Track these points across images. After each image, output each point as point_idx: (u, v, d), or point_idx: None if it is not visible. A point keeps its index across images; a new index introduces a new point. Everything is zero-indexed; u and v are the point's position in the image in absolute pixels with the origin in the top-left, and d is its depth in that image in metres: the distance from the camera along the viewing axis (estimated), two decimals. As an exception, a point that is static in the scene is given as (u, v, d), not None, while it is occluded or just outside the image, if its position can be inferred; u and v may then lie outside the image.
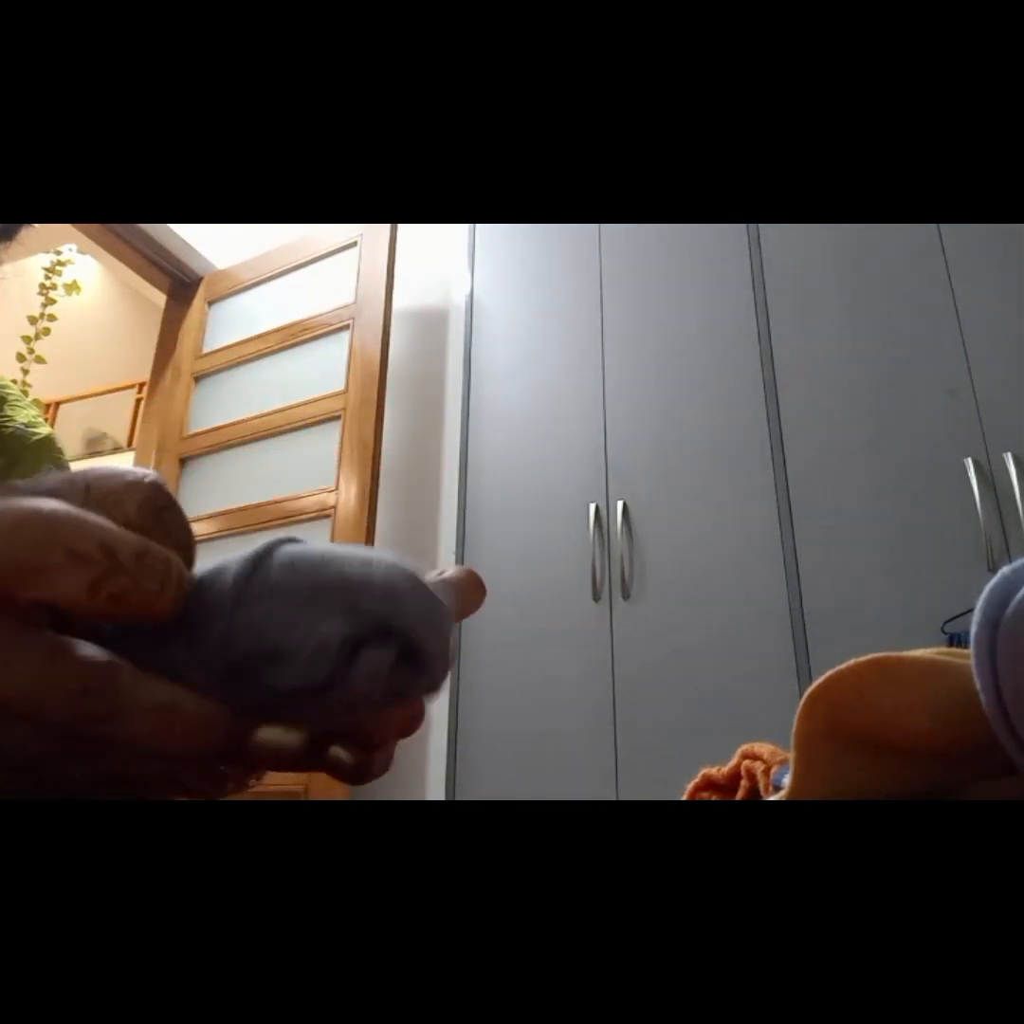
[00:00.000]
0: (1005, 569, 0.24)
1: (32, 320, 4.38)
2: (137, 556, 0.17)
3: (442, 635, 0.21)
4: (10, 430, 0.83)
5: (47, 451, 0.85)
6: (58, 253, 4.57)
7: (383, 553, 0.21)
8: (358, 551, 0.21)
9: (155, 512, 0.19)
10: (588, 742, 1.66)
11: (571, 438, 1.92)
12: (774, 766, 0.40)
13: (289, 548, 0.21)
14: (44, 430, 0.86)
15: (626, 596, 1.73)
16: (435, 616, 0.21)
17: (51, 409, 5.65)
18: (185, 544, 0.20)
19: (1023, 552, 1.41)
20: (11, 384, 0.88)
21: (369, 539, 2.04)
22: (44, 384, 4.72)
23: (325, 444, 2.21)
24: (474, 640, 1.84)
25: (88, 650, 0.17)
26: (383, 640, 0.20)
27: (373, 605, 0.20)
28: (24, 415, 0.85)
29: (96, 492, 0.18)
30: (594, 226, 2.08)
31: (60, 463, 0.86)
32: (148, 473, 0.20)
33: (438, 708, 1.97)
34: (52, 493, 0.18)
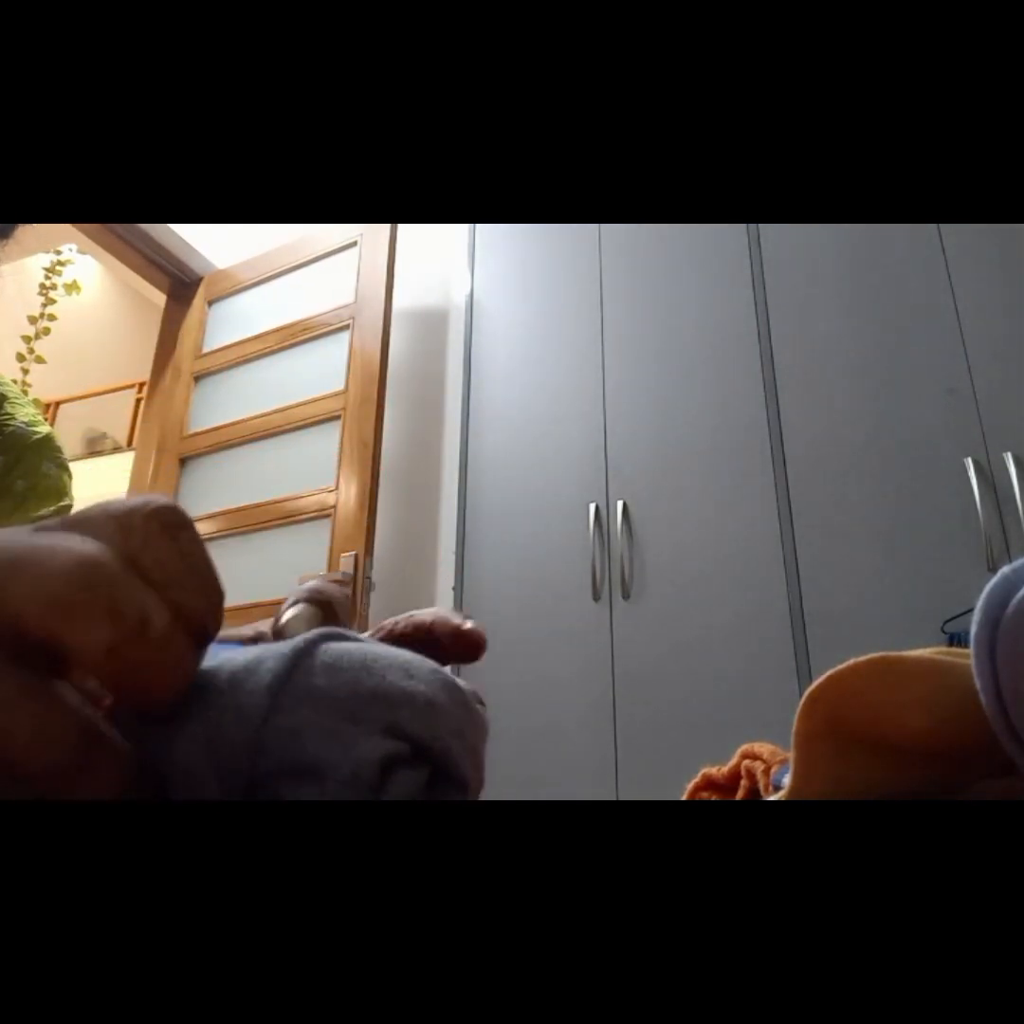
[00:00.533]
0: (1005, 569, 0.24)
1: (32, 320, 4.38)
2: (164, 637, 0.17)
3: (478, 755, 0.20)
4: (11, 429, 0.83)
5: (47, 449, 0.85)
6: (58, 253, 4.58)
7: (423, 660, 0.20)
8: (399, 656, 0.20)
9: (165, 528, 0.19)
10: (588, 742, 1.66)
11: (571, 438, 1.92)
12: (774, 766, 0.40)
13: (332, 647, 0.19)
14: (44, 429, 0.86)
15: (626, 596, 1.73)
16: (473, 733, 0.20)
17: (51, 409, 5.65)
18: (200, 569, 0.19)
19: (1023, 552, 1.41)
20: (11, 383, 0.88)
21: (369, 539, 2.04)
22: (44, 384, 4.72)
23: (325, 444, 2.21)
24: (474, 640, 1.84)
25: (108, 727, 0.17)
26: (418, 759, 0.19)
27: (414, 725, 0.18)
28: (24, 413, 0.85)
29: (115, 512, 0.18)
30: (594, 226, 2.08)
31: (60, 462, 0.87)
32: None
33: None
34: (82, 524, 0.18)
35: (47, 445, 0.85)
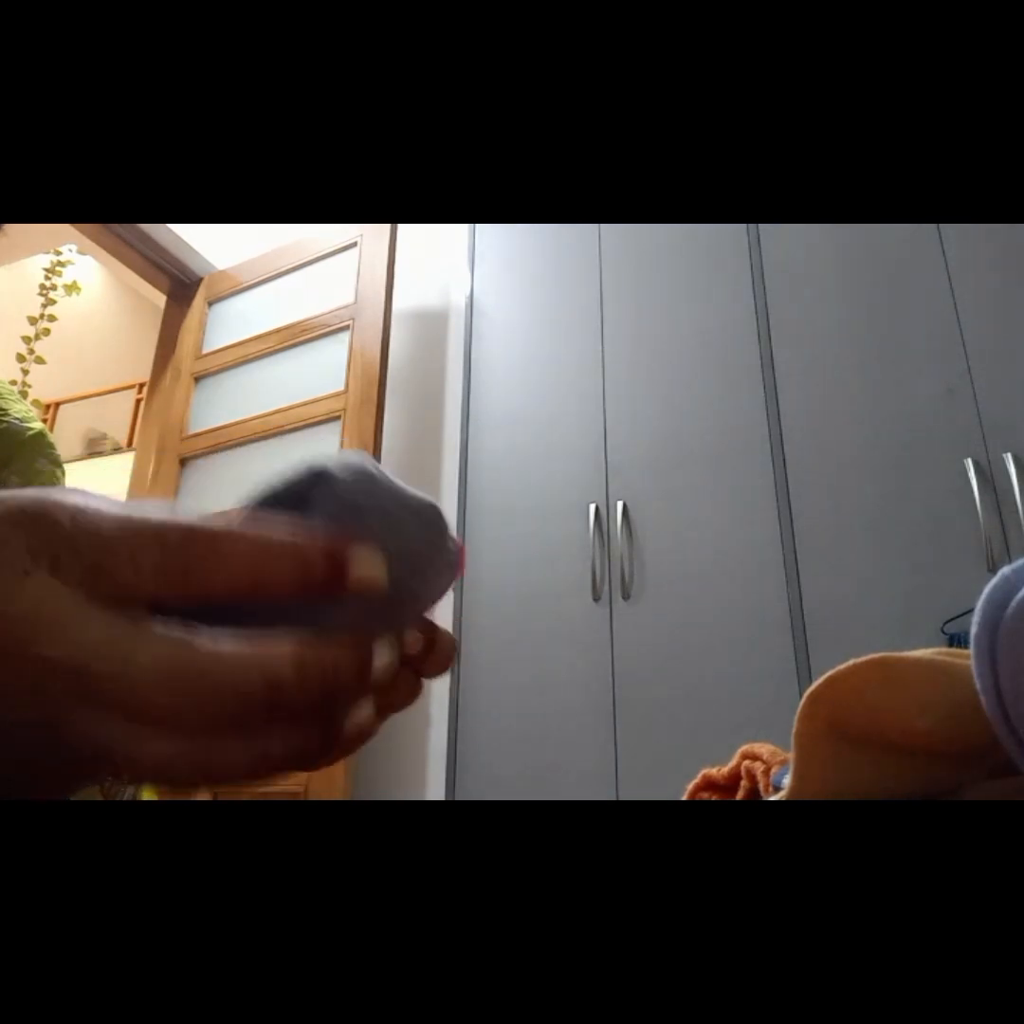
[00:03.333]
0: (1005, 569, 0.24)
1: (32, 320, 4.38)
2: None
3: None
4: (4, 425, 0.83)
5: (40, 446, 0.86)
6: (58, 253, 4.57)
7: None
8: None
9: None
10: (588, 742, 1.66)
11: (571, 438, 1.92)
12: (774, 766, 0.40)
13: None
14: (37, 425, 0.87)
15: (626, 596, 1.73)
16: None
17: (51, 409, 5.64)
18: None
19: (1023, 552, 1.41)
20: (5, 381, 0.89)
21: (369, 539, 2.03)
22: (44, 384, 4.72)
23: (325, 444, 2.21)
24: (474, 640, 1.84)
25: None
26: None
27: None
28: (17, 410, 0.86)
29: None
30: (594, 226, 2.08)
31: (53, 458, 0.87)
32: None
33: (438, 708, 1.97)
34: None
35: (40, 442, 0.86)
